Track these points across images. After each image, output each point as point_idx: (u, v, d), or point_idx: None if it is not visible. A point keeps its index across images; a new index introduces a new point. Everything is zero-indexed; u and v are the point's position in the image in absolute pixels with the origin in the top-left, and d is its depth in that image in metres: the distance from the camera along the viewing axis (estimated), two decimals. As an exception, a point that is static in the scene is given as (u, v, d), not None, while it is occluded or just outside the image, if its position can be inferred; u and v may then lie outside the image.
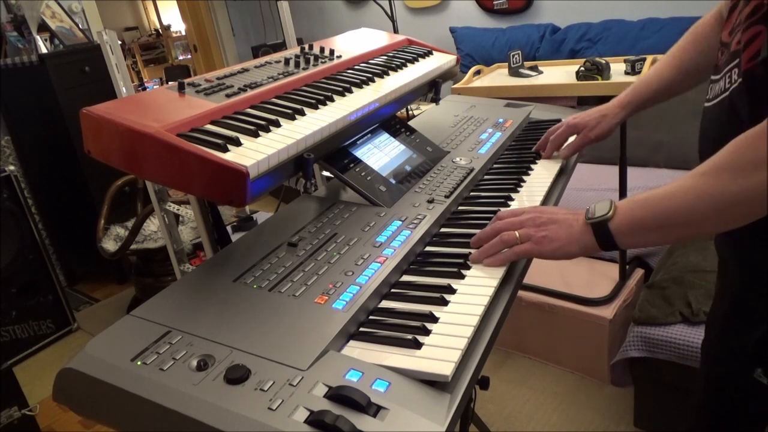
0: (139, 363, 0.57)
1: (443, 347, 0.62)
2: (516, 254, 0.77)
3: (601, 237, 0.72)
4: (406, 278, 0.77)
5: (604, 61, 1.81)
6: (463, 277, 0.76)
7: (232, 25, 4.94)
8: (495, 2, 3.38)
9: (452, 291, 0.72)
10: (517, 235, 0.77)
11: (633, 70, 1.82)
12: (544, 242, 0.76)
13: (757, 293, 0.77)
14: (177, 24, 7.71)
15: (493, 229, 0.80)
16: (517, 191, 1.01)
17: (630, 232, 0.71)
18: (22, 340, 2.66)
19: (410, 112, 3.01)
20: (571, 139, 1.14)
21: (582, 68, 1.84)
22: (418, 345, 0.62)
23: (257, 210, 3.03)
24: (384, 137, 1.11)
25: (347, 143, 1.02)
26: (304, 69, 1.09)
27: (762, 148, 0.61)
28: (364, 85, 1.06)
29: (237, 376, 0.55)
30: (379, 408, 0.53)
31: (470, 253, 0.80)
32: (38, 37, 3.09)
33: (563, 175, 1.12)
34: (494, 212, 0.88)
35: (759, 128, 0.62)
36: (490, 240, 0.78)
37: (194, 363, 0.57)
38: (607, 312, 1.93)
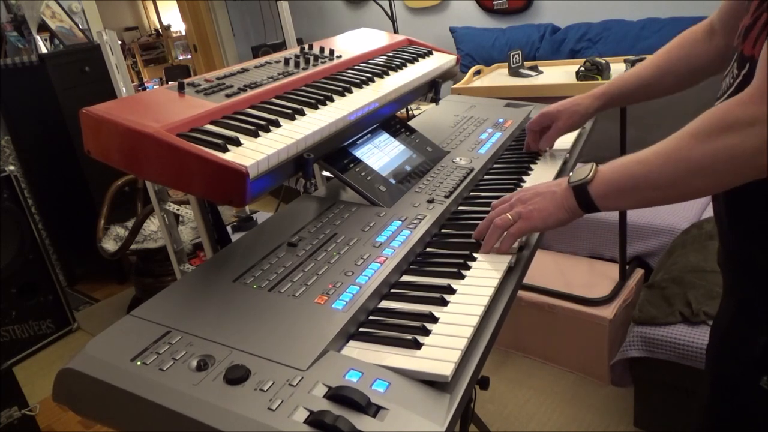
0: (139, 363, 0.57)
1: (443, 347, 0.62)
2: (513, 235, 0.80)
3: (582, 200, 0.75)
4: (406, 278, 0.77)
5: (604, 61, 1.81)
6: (462, 277, 0.76)
7: (232, 25, 4.94)
8: (495, 2, 3.38)
9: (452, 291, 0.72)
10: (509, 216, 0.80)
11: (633, 70, 1.82)
12: (534, 215, 0.79)
13: (764, 296, 0.75)
14: (177, 24, 7.71)
15: (488, 219, 0.83)
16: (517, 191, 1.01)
17: (607, 194, 0.73)
18: (22, 340, 2.66)
19: (410, 112, 3.01)
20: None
21: (582, 68, 1.84)
22: (418, 345, 0.62)
23: (257, 210, 3.03)
24: (384, 137, 1.11)
25: (347, 143, 1.02)
26: (304, 69, 1.09)
27: (730, 113, 0.62)
28: (364, 85, 1.06)
29: (237, 376, 0.55)
30: (378, 408, 0.53)
31: (470, 253, 0.81)
32: (38, 37, 3.09)
33: (563, 174, 1.12)
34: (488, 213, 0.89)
35: (735, 97, 0.63)
36: (488, 230, 0.82)
37: (194, 363, 0.57)
38: (607, 312, 1.92)
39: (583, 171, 0.75)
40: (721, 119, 0.63)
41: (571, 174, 0.77)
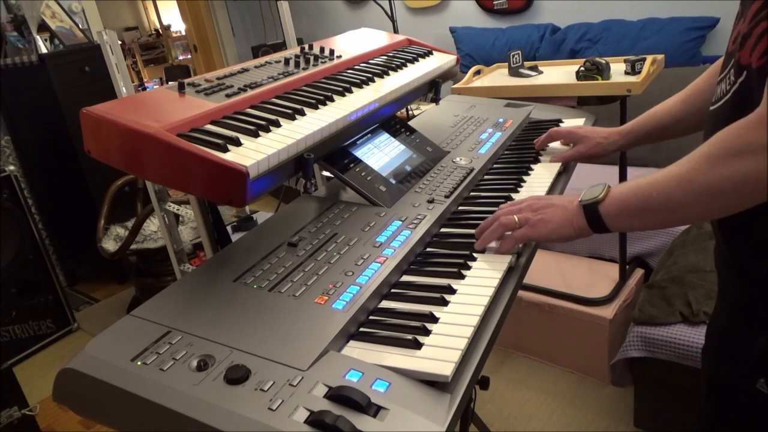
0: (139, 363, 0.57)
1: (443, 347, 0.62)
2: (515, 239, 0.80)
3: (592, 219, 0.75)
4: (406, 278, 0.77)
5: (604, 61, 1.80)
6: (463, 277, 0.76)
7: (232, 25, 4.94)
8: (495, 2, 3.38)
9: (452, 291, 0.72)
10: (516, 219, 0.80)
11: (633, 70, 1.82)
12: (540, 225, 0.79)
13: (760, 298, 0.75)
14: (177, 24, 7.71)
15: (494, 217, 0.83)
16: (517, 191, 1.01)
17: (618, 215, 0.74)
18: (22, 340, 2.66)
19: (410, 112, 3.02)
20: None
21: (582, 68, 1.83)
22: (418, 345, 0.62)
23: (257, 210, 3.03)
24: (384, 137, 1.11)
25: (347, 143, 1.02)
26: (304, 69, 1.09)
27: (742, 138, 0.62)
28: (364, 85, 1.06)
29: (237, 376, 0.55)
30: (379, 408, 0.53)
31: (470, 253, 0.81)
32: (38, 37, 3.09)
33: (563, 175, 1.12)
34: (494, 212, 0.89)
35: (744, 120, 0.63)
36: (490, 226, 0.82)
37: (194, 363, 0.57)
38: (607, 312, 1.93)
39: (594, 191, 0.76)
40: (734, 143, 0.63)
41: (582, 193, 0.77)
